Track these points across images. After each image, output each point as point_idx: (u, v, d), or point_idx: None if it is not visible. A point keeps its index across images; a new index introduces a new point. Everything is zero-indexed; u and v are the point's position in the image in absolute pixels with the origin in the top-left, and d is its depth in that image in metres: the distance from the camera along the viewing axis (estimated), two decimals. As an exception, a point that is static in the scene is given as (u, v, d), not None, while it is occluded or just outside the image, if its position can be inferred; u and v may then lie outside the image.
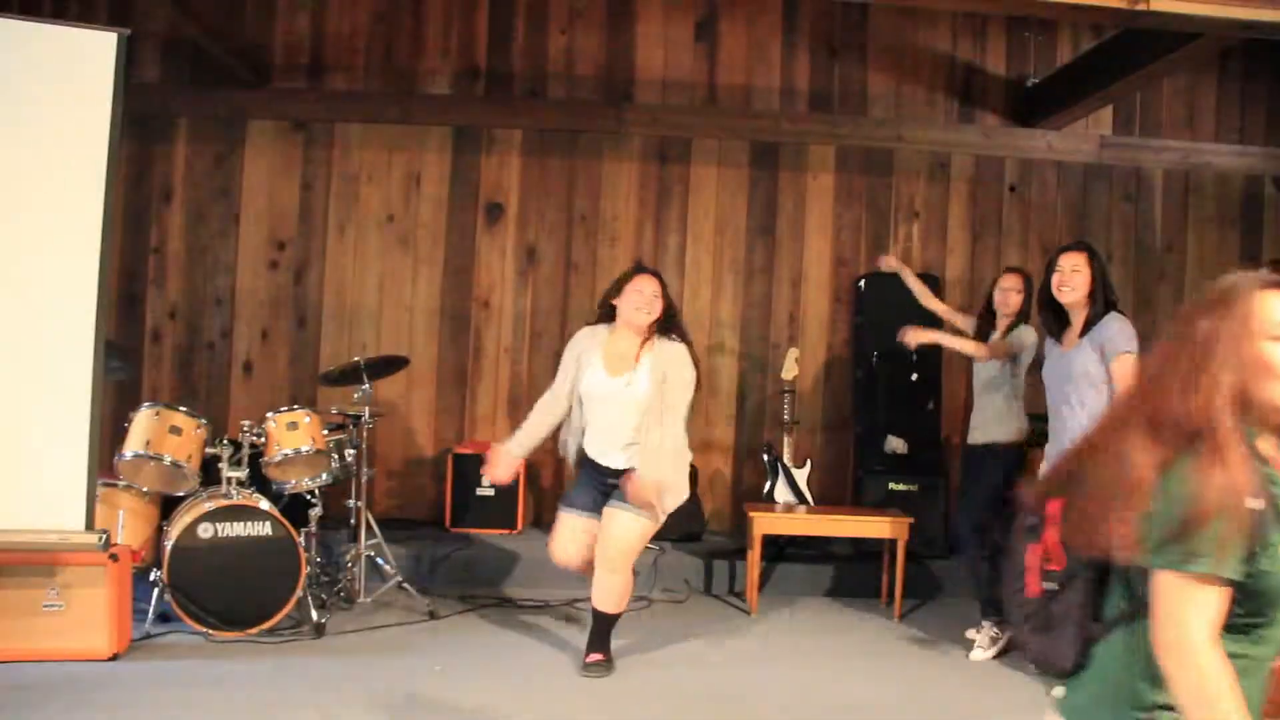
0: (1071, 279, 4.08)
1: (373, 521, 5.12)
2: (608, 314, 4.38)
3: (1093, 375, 4.01)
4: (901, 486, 5.96)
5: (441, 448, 6.46)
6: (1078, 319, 4.12)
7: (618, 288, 4.36)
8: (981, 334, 4.98)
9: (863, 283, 6.54)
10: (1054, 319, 4.18)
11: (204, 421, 4.82)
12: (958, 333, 5.06)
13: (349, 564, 5.14)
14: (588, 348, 4.32)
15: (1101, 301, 4.10)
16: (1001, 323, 4.90)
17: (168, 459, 4.67)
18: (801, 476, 5.86)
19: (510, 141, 6.60)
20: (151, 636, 4.42)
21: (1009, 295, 4.86)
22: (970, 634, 4.76)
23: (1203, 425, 1.59)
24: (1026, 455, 4.91)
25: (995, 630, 4.64)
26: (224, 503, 4.54)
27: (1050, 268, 4.17)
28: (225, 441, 4.78)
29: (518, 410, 6.58)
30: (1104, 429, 1.75)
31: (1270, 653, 1.64)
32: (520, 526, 6.14)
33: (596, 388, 4.26)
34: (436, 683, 4.06)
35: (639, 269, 4.52)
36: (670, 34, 6.65)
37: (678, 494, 4.22)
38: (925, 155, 6.74)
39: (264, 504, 4.61)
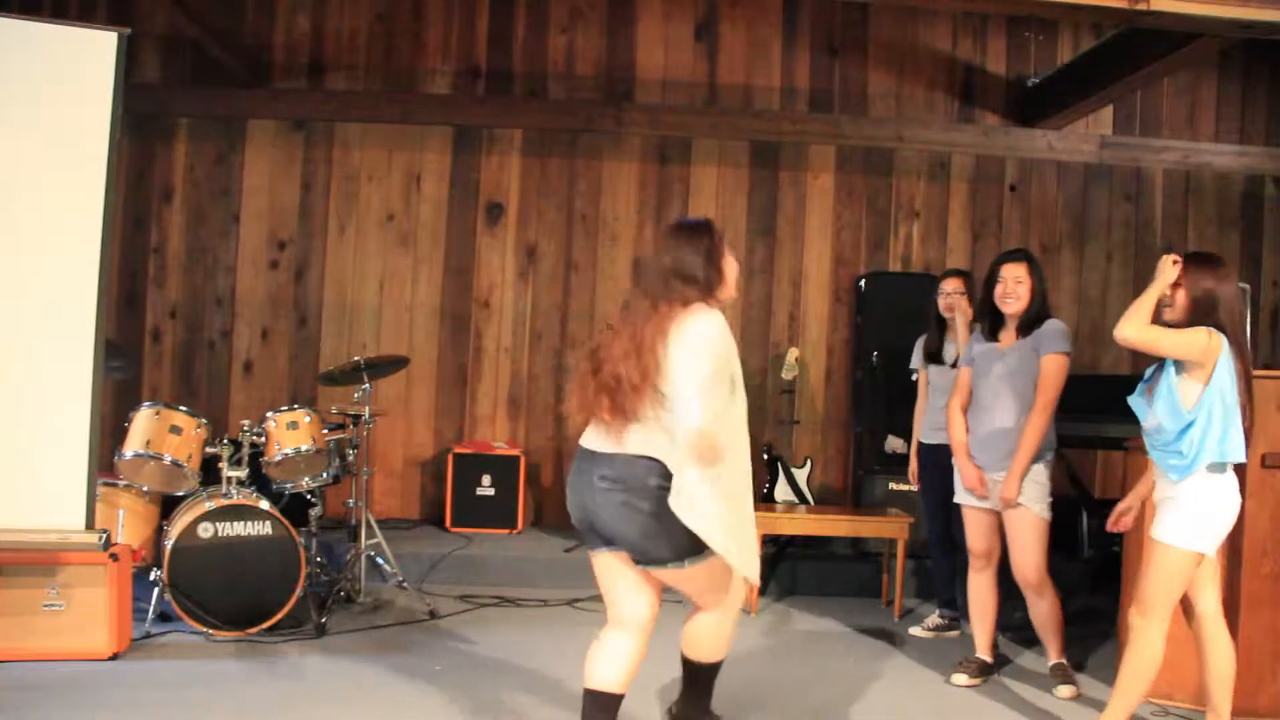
0: (1015, 289, 4.11)
1: (373, 521, 5.12)
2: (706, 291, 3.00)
3: (1030, 372, 4.07)
4: (901, 486, 5.95)
5: (441, 448, 6.47)
6: (1013, 320, 4.17)
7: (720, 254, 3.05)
8: (935, 343, 4.98)
9: (863, 283, 6.54)
10: (990, 322, 4.22)
11: (204, 421, 4.82)
12: None
13: (349, 564, 5.14)
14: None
15: (1039, 306, 4.13)
16: (960, 326, 4.80)
17: (168, 458, 4.67)
18: (801, 476, 5.86)
19: (510, 141, 6.60)
20: (151, 636, 4.42)
21: (954, 300, 4.83)
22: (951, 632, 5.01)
23: None
24: None
25: (939, 619, 5.04)
26: (224, 502, 4.54)
27: (992, 278, 4.16)
28: (225, 441, 4.78)
29: (517, 410, 6.60)
30: None
31: None
32: (520, 526, 6.15)
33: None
34: (436, 683, 4.06)
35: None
36: (670, 34, 6.66)
37: None
38: (925, 155, 6.74)
39: (264, 503, 4.60)
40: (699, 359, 2.82)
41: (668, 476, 2.85)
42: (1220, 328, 3.30)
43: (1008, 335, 4.17)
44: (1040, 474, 4.05)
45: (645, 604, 3.09)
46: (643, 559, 2.96)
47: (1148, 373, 3.50)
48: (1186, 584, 3.38)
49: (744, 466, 2.97)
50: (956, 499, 4.31)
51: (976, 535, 4.24)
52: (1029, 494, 4.03)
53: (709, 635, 3.19)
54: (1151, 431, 3.40)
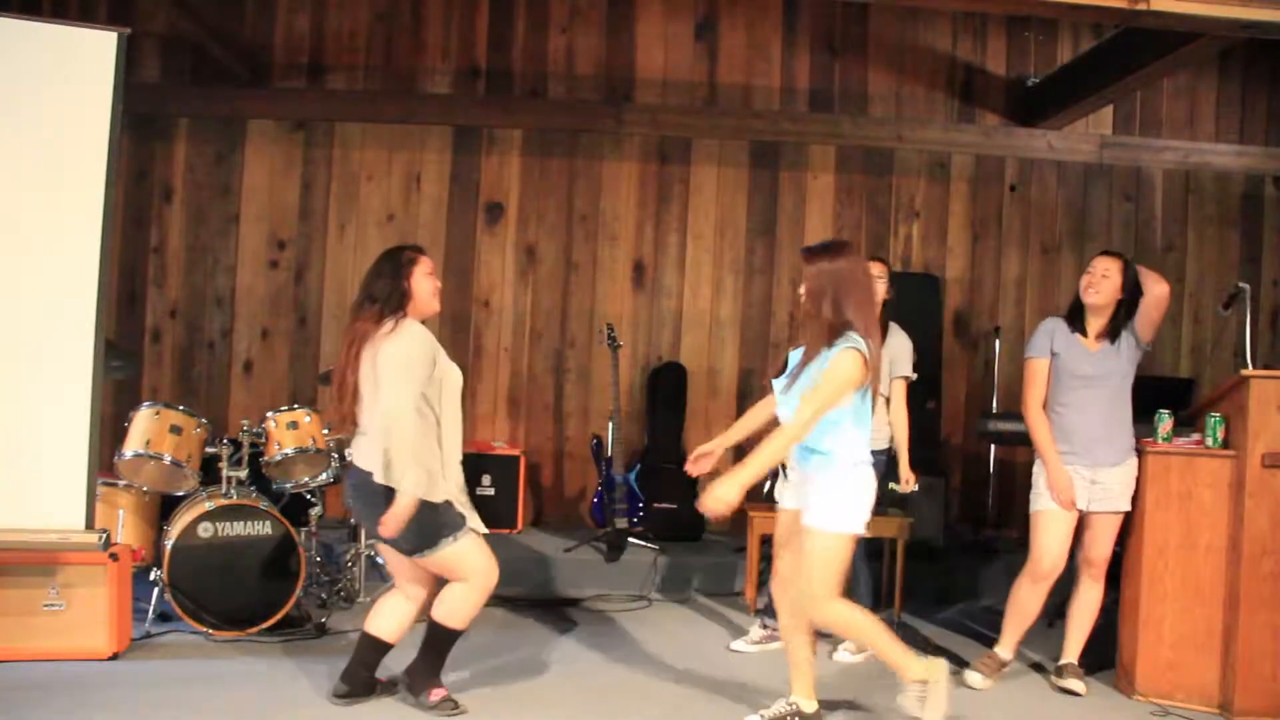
0: (1100, 284, 4.11)
1: (373, 521, 5.11)
2: (396, 307, 3.61)
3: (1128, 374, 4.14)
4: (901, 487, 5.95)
5: (441, 447, 6.45)
6: (1100, 320, 4.15)
7: (406, 271, 3.65)
8: None
9: (863, 283, 6.53)
10: (1078, 316, 4.21)
11: (204, 421, 4.82)
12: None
13: (349, 563, 5.14)
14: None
15: (1126, 306, 4.14)
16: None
17: (168, 458, 4.67)
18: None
19: (510, 141, 6.60)
20: (152, 636, 4.42)
21: (877, 284, 4.56)
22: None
23: None
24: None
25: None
26: (224, 502, 4.54)
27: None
28: (225, 441, 4.78)
29: (517, 410, 6.60)
30: None
31: None
32: (520, 526, 6.15)
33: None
34: (436, 682, 4.06)
35: (415, 248, 3.81)
36: (670, 34, 6.66)
37: None
38: (925, 155, 6.74)
39: (264, 503, 4.61)
40: (396, 368, 3.48)
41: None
42: (849, 319, 3.40)
43: (1095, 334, 4.17)
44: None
45: (420, 582, 3.78)
46: (400, 550, 3.63)
47: (790, 364, 3.57)
48: (847, 564, 3.48)
49: (446, 440, 3.62)
50: (1047, 505, 4.13)
51: (1065, 543, 4.14)
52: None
53: (455, 600, 3.68)
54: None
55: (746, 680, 4.23)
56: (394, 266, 3.66)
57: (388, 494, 3.46)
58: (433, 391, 3.59)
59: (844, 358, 3.35)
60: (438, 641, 3.74)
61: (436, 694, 3.70)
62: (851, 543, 3.46)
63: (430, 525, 3.54)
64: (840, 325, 3.42)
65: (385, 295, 3.61)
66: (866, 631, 3.51)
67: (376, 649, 3.77)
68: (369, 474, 3.53)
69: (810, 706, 3.60)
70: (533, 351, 6.60)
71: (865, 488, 3.47)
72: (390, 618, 3.77)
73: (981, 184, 6.82)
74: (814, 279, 3.50)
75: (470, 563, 3.64)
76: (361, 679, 3.76)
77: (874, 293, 3.47)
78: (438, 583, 3.74)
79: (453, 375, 3.68)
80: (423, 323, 3.64)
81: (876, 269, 4.72)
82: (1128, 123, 6.87)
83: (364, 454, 3.58)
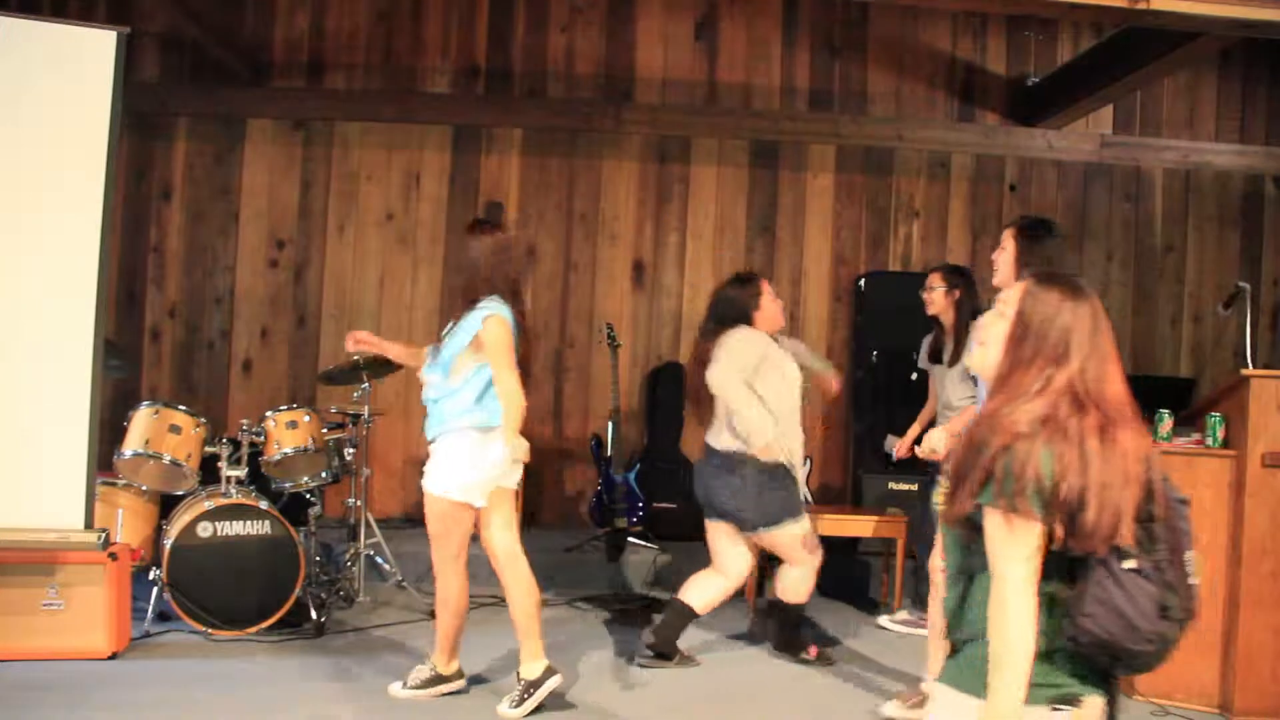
0: (928, 295, 4.50)
1: (372, 521, 5.12)
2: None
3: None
4: (901, 486, 5.95)
5: (441, 447, 6.45)
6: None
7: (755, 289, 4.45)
8: (939, 345, 4.76)
9: (863, 282, 6.54)
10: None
11: (203, 420, 4.81)
12: None
13: (348, 563, 5.13)
14: None
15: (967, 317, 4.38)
16: (949, 326, 4.66)
17: (167, 458, 4.66)
18: (801, 476, 5.85)
19: (510, 141, 6.60)
20: (151, 635, 4.42)
21: (930, 295, 4.64)
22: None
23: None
24: None
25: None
26: (223, 501, 4.54)
27: None
28: (224, 440, 4.77)
29: (517, 410, 6.58)
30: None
31: None
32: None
33: None
34: (436, 682, 4.05)
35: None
36: (670, 33, 6.66)
37: None
38: (925, 155, 6.74)
39: (263, 503, 4.60)
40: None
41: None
42: (499, 291, 3.61)
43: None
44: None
45: (745, 559, 4.34)
46: (743, 527, 4.23)
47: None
48: (465, 530, 3.66)
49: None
50: None
51: None
52: None
53: (795, 583, 4.32)
54: (426, 391, 3.65)
55: (746, 679, 4.23)
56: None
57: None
58: None
59: (490, 324, 3.57)
60: (791, 617, 4.40)
61: (814, 650, 4.39)
62: (466, 510, 3.60)
63: None
64: (478, 293, 3.62)
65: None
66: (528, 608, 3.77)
67: (684, 616, 4.22)
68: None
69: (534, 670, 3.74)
70: (532, 351, 6.58)
71: (482, 458, 3.58)
72: (704, 591, 4.23)
73: (981, 184, 6.82)
74: (466, 254, 3.71)
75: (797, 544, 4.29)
76: (668, 641, 4.22)
77: (515, 264, 3.82)
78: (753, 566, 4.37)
79: None
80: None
81: (929, 279, 4.69)
82: (1128, 122, 6.87)
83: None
